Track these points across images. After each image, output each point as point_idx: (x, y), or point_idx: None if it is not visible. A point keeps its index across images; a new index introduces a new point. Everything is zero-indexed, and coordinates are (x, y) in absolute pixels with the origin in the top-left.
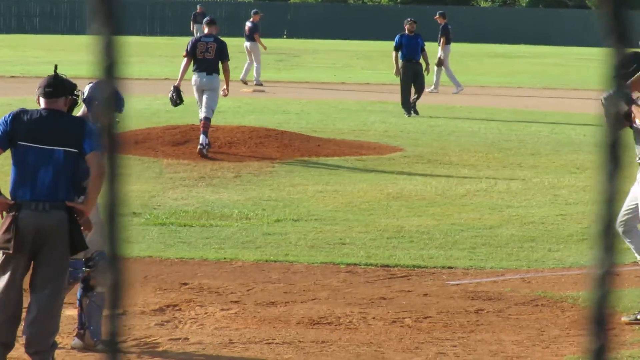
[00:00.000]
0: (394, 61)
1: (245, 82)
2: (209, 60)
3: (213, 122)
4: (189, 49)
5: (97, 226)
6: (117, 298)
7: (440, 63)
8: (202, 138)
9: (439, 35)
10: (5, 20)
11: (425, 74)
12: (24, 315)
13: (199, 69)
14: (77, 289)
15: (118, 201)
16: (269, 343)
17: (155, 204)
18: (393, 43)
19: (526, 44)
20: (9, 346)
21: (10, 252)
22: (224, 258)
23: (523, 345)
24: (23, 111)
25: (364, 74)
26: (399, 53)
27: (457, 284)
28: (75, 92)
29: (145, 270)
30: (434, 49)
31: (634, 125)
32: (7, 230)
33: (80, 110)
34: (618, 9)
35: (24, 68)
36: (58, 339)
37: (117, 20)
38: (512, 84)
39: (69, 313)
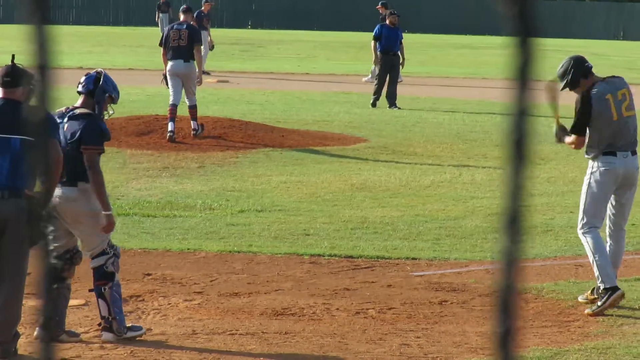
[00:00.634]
0: (372, 50)
1: (208, 73)
2: (183, 47)
3: (178, 112)
4: (162, 39)
5: (92, 219)
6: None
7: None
8: (193, 123)
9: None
10: None
11: (400, 67)
12: None
13: (174, 56)
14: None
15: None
16: (233, 334)
17: (119, 194)
18: (359, 34)
19: (491, 35)
20: None
21: None
22: (188, 249)
23: (487, 337)
24: None
25: (328, 64)
26: (377, 44)
27: (421, 275)
28: (33, 83)
29: None
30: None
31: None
32: None
33: (79, 101)
34: None
35: None
36: (20, 329)
37: (45, 9)
38: (477, 75)
39: (31, 304)
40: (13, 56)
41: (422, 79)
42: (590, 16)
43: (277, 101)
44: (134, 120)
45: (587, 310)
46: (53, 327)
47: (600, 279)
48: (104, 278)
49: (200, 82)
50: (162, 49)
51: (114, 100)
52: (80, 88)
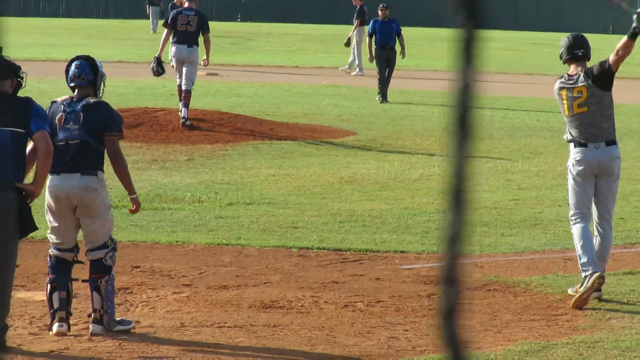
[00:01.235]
0: (367, 47)
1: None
2: (190, 32)
3: (167, 105)
4: (169, 21)
5: (106, 210)
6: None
7: (349, 43)
8: (183, 111)
9: (355, 17)
10: None
11: (400, 56)
12: None
13: (179, 41)
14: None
15: None
16: (221, 326)
17: (108, 186)
18: (349, 27)
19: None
20: None
21: None
22: (176, 241)
23: (475, 330)
24: None
25: (317, 57)
26: (373, 39)
27: (410, 269)
28: (20, 75)
29: None
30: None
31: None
32: None
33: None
34: None
35: None
36: (9, 321)
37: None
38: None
39: (20, 295)
40: (0, 49)
41: (411, 72)
42: (580, 10)
43: (266, 94)
44: (123, 113)
45: (571, 294)
46: (105, 320)
47: (582, 268)
48: (101, 271)
49: (207, 64)
50: (165, 30)
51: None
52: (79, 82)
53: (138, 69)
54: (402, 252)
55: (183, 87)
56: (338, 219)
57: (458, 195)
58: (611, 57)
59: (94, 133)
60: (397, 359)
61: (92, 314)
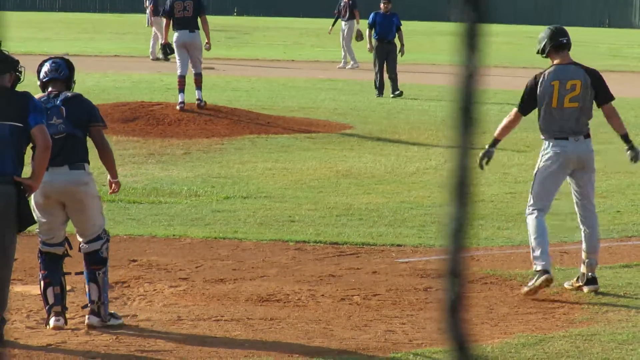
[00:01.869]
0: (366, 38)
1: (158, 58)
2: (188, 18)
3: (163, 99)
4: (167, 9)
5: (97, 202)
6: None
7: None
8: (197, 93)
9: (351, 10)
10: None
11: (399, 54)
12: None
13: (179, 27)
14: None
15: None
16: (218, 320)
17: (105, 180)
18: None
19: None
20: None
21: None
22: (173, 235)
23: (472, 323)
24: None
25: (313, 51)
26: (373, 31)
27: (406, 262)
28: (18, 69)
29: None
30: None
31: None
32: None
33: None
34: None
35: None
36: (6, 315)
37: None
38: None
39: (17, 289)
40: (0, 42)
41: (408, 65)
42: (577, 3)
43: (263, 88)
44: (120, 107)
45: (568, 287)
46: (102, 312)
47: (534, 261)
48: (99, 263)
49: (209, 48)
50: (164, 19)
51: None
52: (56, 75)
53: (134, 63)
54: (398, 245)
55: (194, 70)
56: (335, 212)
57: (461, 189)
58: (612, 107)
59: (79, 125)
60: (394, 352)
61: (89, 306)
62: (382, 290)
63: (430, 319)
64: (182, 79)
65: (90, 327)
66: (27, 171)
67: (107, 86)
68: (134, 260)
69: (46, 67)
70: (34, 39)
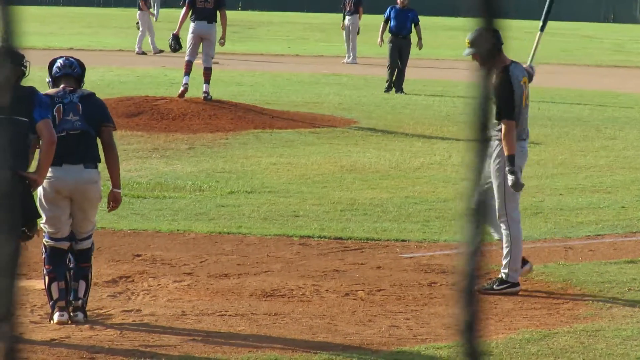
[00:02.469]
0: (379, 31)
1: (144, 53)
2: (208, 9)
3: (168, 93)
4: None
5: (99, 200)
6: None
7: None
8: (205, 86)
9: (356, 5)
10: None
11: (417, 48)
12: None
13: (198, 17)
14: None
15: None
16: (222, 315)
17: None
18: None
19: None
20: None
21: None
22: (177, 230)
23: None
24: None
25: (318, 46)
26: (388, 26)
27: (411, 257)
28: (23, 63)
29: (98, 242)
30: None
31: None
32: None
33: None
34: None
35: None
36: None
37: None
38: (467, 58)
39: (21, 284)
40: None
41: (412, 60)
42: None
43: (267, 83)
44: (124, 102)
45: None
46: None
47: (508, 270)
48: (88, 260)
49: (224, 43)
50: (184, 8)
51: None
52: (69, 71)
53: (139, 58)
54: (403, 240)
55: (204, 65)
56: (339, 207)
57: (478, 208)
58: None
59: (92, 124)
60: (398, 347)
61: (73, 303)
62: (387, 285)
63: (435, 315)
64: (189, 63)
65: (77, 323)
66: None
67: (112, 80)
68: (138, 255)
69: (59, 63)
70: (38, 33)
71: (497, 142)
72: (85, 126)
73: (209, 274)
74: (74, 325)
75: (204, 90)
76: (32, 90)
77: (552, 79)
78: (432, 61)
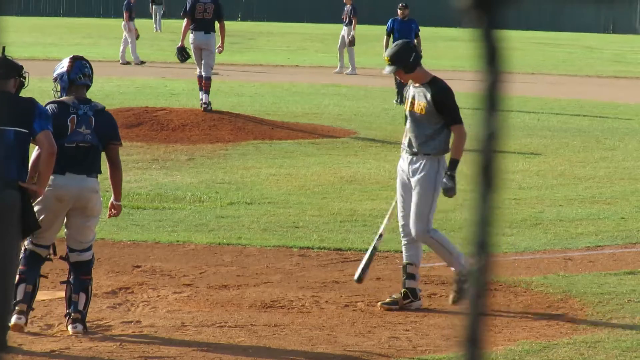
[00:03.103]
0: (383, 45)
1: (127, 63)
2: (207, 20)
3: (167, 104)
4: (187, 9)
5: (99, 210)
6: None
7: (353, 43)
8: (205, 97)
9: (351, 16)
10: None
11: None
12: None
13: (197, 28)
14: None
15: None
16: (222, 326)
17: (108, 186)
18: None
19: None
20: None
21: None
22: (177, 241)
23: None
24: None
25: (318, 57)
26: (391, 38)
27: None
28: (23, 74)
29: (98, 253)
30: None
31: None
32: None
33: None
34: None
35: None
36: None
37: None
38: (466, 68)
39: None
40: (3, 48)
41: None
42: (581, 9)
43: (267, 93)
44: (124, 112)
45: (381, 303)
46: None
47: (459, 268)
48: (88, 273)
49: (222, 50)
50: (185, 20)
51: None
52: (87, 81)
53: (138, 68)
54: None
55: (203, 74)
56: (339, 218)
57: (481, 248)
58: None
59: (102, 139)
60: (397, 358)
61: (72, 314)
62: (386, 296)
63: (434, 326)
64: (201, 78)
65: (77, 334)
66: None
67: (111, 91)
68: (138, 266)
69: (82, 70)
70: (38, 43)
71: (424, 159)
72: (95, 140)
73: (208, 285)
74: (73, 337)
75: (203, 100)
76: (31, 101)
77: (552, 90)
78: (432, 71)
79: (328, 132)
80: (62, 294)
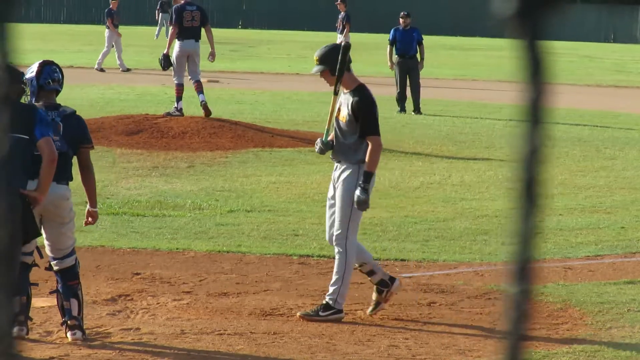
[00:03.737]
0: (387, 55)
1: (102, 70)
2: (195, 27)
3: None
4: (176, 19)
5: (72, 216)
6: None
7: None
8: (200, 96)
9: (344, 23)
10: None
11: (419, 68)
12: None
13: (186, 36)
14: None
15: None
16: (221, 334)
17: (108, 193)
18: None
19: (481, 36)
20: None
21: None
22: (177, 248)
23: (475, 339)
24: None
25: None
26: (394, 48)
27: (410, 277)
28: (23, 81)
29: (98, 260)
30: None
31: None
32: None
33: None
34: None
35: None
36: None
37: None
38: (467, 77)
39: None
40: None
41: None
42: (581, 19)
43: (267, 101)
44: (124, 120)
45: (300, 313)
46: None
47: (336, 296)
48: (75, 278)
49: (213, 59)
50: (172, 27)
51: None
52: (57, 87)
53: (139, 76)
54: (402, 260)
55: (193, 79)
56: None
57: (524, 271)
58: None
59: (72, 143)
60: None
61: (68, 322)
62: (386, 304)
63: (434, 334)
64: (181, 87)
65: (76, 341)
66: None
67: (112, 98)
68: (137, 274)
69: (51, 75)
70: (39, 50)
71: (345, 166)
72: (65, 147)
73: (208, 292)
74: (72, 344)
75: (201, 100)
76: (32, 107)
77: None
78: (432, 80)
79: None
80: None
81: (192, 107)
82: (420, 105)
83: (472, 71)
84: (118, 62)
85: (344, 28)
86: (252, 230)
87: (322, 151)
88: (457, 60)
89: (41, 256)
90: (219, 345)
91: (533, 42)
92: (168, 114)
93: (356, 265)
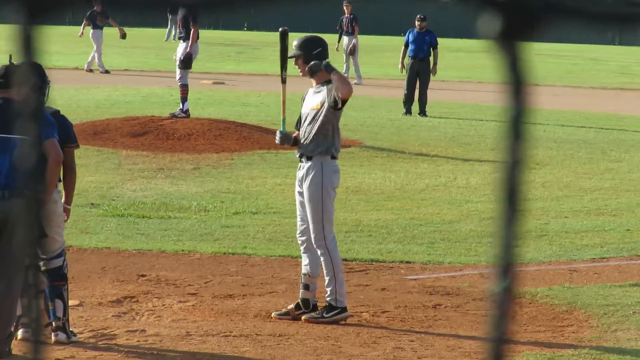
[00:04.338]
0: (400, 57)
1: (91, 71)
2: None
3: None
4: (196, 19)
5: (61, 219)
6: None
7: (353, 52)
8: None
9: (352, 25)
10: None
11: (431, 74)
12: None
13: (198, 39)
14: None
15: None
16: (226, 336)
17: (114, 195)
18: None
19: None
20: None
21: None
22: (182, 250)
23: (481, 341)
24: None
25: None
26: (407, 50)
27: (415, 279)
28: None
29: (103, 262)
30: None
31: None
32: None
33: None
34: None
35: None
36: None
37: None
38: (472, 79)
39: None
40: (11, 56)
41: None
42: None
43: (273, 103)
44: (130, 121)
45: (305, 317)
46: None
47: (335, 295)
48: (62, 279)
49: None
50: (194, 28)
51: None
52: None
53: (144, 77)
54: (407, 262)
55: (187, 83)
56: (344, 228)
57: (506, 273)
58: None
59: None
60: None
61: (54, 323)
62: (391, 307)
63: (439, 337)
64: (186, 88)
65: (59, 343)
66: None
67: (117, 100)
68: (143, 275)
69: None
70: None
71: (309, 163)
72: None
73: (213, 294)
74: (77, 346)
75: (185, 109)
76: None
77: (557, 101)
78: (438, 82)
79: None
80: (70, 302)
81: (198, 109)
82: (426, 108)
83: (477, 73)
84: (97, 62)
85: (352, 30)
86: (257, 232)
87: (282, 141)
88: (462, 62)
89: None
90: (225, 347)
91: (515, 62)
92: (173, 115)
93: (307, 272)
